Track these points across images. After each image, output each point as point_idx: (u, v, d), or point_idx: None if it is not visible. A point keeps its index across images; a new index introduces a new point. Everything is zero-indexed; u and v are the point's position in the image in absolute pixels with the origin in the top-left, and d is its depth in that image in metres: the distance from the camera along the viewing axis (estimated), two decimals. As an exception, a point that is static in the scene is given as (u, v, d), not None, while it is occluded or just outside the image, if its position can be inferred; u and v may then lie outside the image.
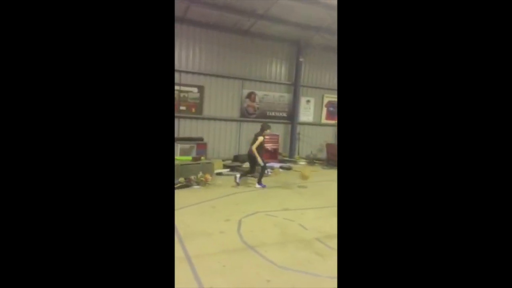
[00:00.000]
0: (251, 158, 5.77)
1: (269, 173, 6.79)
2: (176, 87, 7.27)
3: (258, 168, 5.85)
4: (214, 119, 8.02)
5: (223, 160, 7.48)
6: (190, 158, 6.21)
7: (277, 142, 8.59)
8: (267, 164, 7.45)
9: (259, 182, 5.81)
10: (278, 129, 8.71)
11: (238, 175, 5.77)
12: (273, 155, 8.13)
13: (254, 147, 5.65)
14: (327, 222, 3.89)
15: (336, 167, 8.20)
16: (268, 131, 5.96)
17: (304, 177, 6.44)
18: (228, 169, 6.88)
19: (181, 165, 5.49)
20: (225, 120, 8.16)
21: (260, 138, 5.73)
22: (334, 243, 3.22)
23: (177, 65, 7.21)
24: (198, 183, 5.41)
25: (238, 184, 5.61)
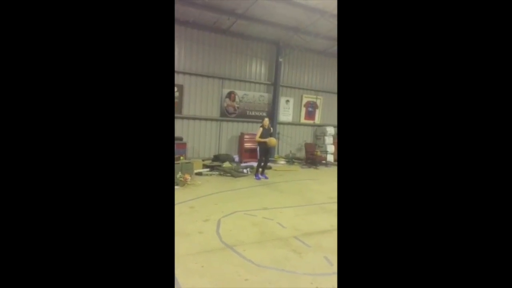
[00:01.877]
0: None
1: (249, 173, 6.84)
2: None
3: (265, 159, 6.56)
4: (194, 118, 7.95)
5: (203, 160, 7.43)
6: (168, 158, 6.11)
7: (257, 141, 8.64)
8: (246, 163, 7.52)
9: (257, 174, 6.37)
10: (258, 129, 8.76)
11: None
12: (253, 154, 8.16)
13: (256, 137, 6.42)
14: (304, 220, 3.98)
15: (314, 166, 8.38)
16: (266, 120, 6.53)
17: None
18: (207, 169, 6.85)
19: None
20: (205, 119, 8.11)
21: (259, 129, 6.40)
22: (310, 241, 3.31)
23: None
24: (177, 184, 5.35)
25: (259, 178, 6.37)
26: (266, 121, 6.53)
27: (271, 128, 6.79)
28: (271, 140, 6.39)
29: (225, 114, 8.37)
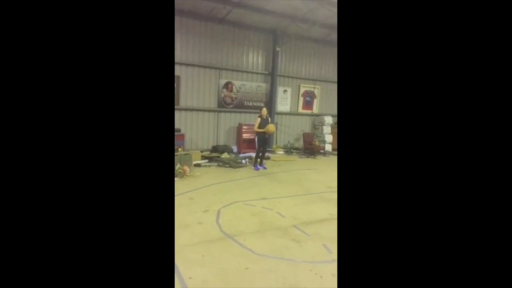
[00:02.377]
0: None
1: (247, 163, 6.86)
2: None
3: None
4: (191, 109, 7.90)
5: (201, 151, 7.43)
6: (167, 149, 6.11)
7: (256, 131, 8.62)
8: (245, 154, 7.53)
9: (255, 165, 6.41)
10: (256, 120, 8.73)
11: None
12: (251, 145, 8.17)
13: (255, 128, 6.43)
14: (303, 209, 4.01)
15: (312, 156, 8.40)
16: (264, 110, 6.51)
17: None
18: (206, 160, 6.86)
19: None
20: (203, 110, 8.07)
21: (257, 119, 6.39)
22: (310, 229, 3.35)
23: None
24: (176, 175, 5.36)
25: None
26: (264, 111, 6.50)
27: (269, 118, 6.77)
28: (270, 127, 6.33)
29: (223, 105, 8.33)
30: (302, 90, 9.61)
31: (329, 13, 7.01)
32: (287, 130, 9.51)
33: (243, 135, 8.23)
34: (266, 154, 6.96)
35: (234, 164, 6.58)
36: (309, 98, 9.80)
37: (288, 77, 9.26)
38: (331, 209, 4.03)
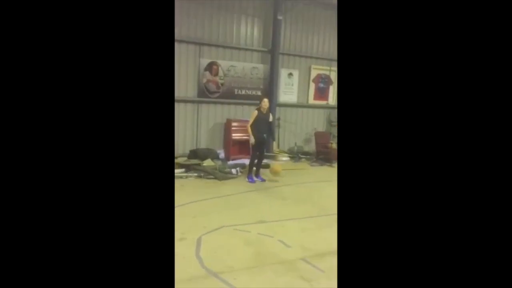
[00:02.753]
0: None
1: (239, 174, 6.88)
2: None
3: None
4: (161, 100, 7.92)
5: (175, 157, 7.43)
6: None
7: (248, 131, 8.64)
8: (235, 161, 7.54)
9: (250, 175, 6.46)
10: (250, 114, 8.76)
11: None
12: (244, 149, 8.18)
13: (248, 125, 6.48)
14: (315, 237, 4.04)
15: (328, 164, 8.44)
16: (265, 102, 6.48)
17: (275, 173, 6.82)
18: (182, 170, 6.86)
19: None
20: (177, 101, 8.06)
21: (254, 113, 6.37)
22: (323, 264, 3.36)
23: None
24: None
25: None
26: (266, 102, 6.48)
27: (270, 115, 6.74)
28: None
29: (205, 93, 8.36)
30: (314, 73, 9.69)
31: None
32: (293, 129, 9.55)
33: (233, 134, 8.24)
34: (265, 160, 6.98)
35: (220, 174, 6.61)
36: (324, 84, 9.87)
37: (295, 55, 9.34)
38: (354, 236, 4.06)
